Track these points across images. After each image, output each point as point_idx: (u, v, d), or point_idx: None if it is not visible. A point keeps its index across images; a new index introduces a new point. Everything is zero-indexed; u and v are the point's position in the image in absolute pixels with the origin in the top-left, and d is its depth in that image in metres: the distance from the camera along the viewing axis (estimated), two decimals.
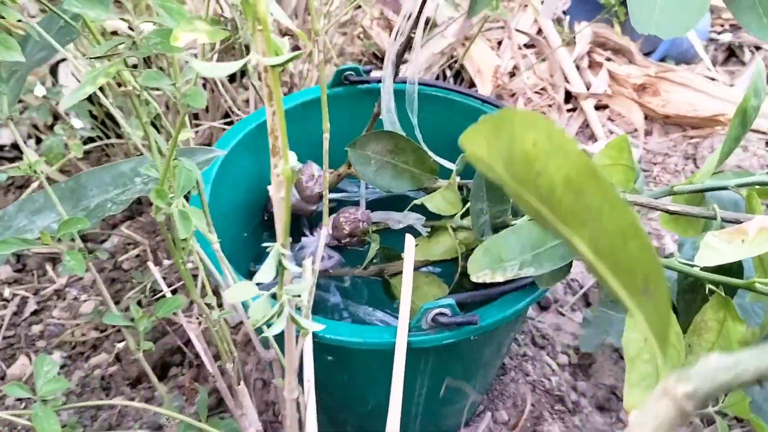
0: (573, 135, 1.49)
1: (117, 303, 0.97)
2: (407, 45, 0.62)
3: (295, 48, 1.05)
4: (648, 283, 0.22)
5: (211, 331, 0.50)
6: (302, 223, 0.84)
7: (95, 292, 1.00)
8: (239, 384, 0.53)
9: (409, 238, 0.64)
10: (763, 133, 1.42)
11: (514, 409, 0.90)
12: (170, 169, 0.41)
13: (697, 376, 0.19)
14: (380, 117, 0.69)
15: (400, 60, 0.65)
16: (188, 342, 0.93)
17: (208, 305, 0.51)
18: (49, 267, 1.05)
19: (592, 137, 1.47)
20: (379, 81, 0.82)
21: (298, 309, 0.36)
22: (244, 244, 0.81)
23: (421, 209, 0.71)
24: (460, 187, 0.69)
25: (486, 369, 0.78)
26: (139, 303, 0.95)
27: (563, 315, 1.08)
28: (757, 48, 1.77)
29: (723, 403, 0.48)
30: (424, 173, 0.70)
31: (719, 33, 1.84)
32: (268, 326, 0.34)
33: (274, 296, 0.35)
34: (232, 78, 1.11)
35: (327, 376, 0.69)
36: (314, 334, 0.58)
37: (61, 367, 0.92)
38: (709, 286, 0.51)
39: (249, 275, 0.80)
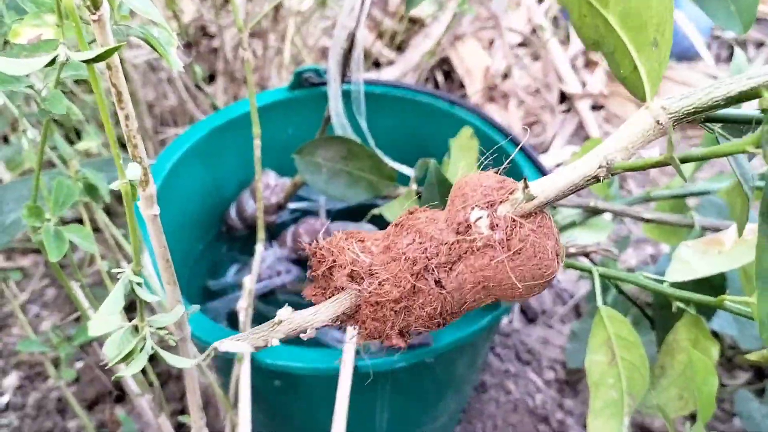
0: (567, 137, 1.43)
1: (77, 321, 0.93)
2: (352, 43, 0.57)
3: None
4: (658, 33, 0.30)
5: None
6: None
7: (57, 308, 0.96)
8: (159, 416, 0.48)
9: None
10: None
11: (494, 431, 0.84)
12: (42, 182, 0.37)
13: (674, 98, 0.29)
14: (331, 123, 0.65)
15: (346, 60, 0.60)
16: (150, 360, 0.88)
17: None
18: (12, 283, 1.01)
19: (588, 139, 1.42)
20: (345, 82, 0.77)
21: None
22: (200, 257, 0.76)
23: (381, 219, 0.66)
24: (420, 195, 0.64)
25: (458, 388, 0.73)
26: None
27: (551, 327, 1.03)
28: (761, 44, 1.71)
29: None
30: (381, 180, 0.65)
31: (723, 30, 1.77)
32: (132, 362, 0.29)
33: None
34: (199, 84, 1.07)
35: (277, 401, 0.64)
36: (254, 358, 0.53)
37: (18, 387, 0.87)
38: (677, 304, 0.46)
39: (204, 291, 0.76)
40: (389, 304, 0.31)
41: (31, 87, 0.33)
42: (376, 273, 0.32)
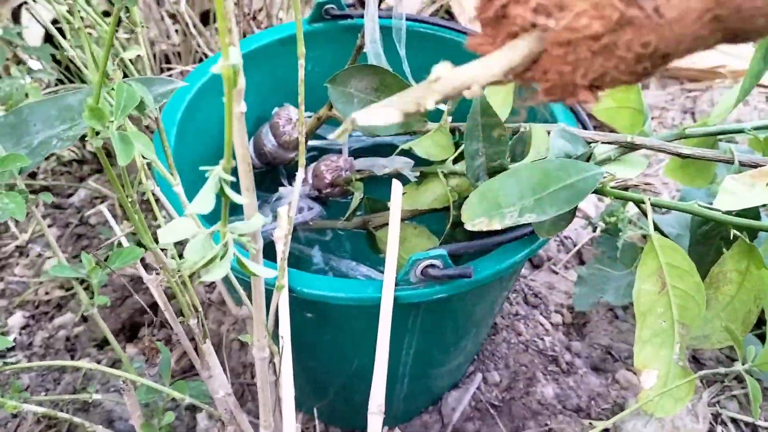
0: None
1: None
2: None
3: None
4: None
5: (171, 284, 0.44)
6: (280, 171, 0.78)
7: (60, 248, 0.94)
8: (204, 342, 0.47)
9: (396, 184, 0.58)
10: (765, 86, 1.36)
11: (506, 370, 0.85)
12: (107, 84, 0.35)
13: None
14: (364, 50, 0.63)
15: None
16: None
17: (165, 252, 0.44)
18: (11, 222, 0.98)
19: None
20: (363, 16, 0.75)
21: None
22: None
23: (408, 155, 0.65)
24: (452, 130, 0.63)
25: (478, 328, 0.73)
26: (106, 260, 0.89)
27: (556, 273, 1.04)
28: None
29: (754, 361, 0.43)
30: None
31: None
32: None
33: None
34: (205, 20, 1.03)
35: (307, 335, 0.63)
36: (291, 289, 0.52)
37: (23, 327, 0.86)
38: (733, 232, 0.46)
39: None
40: (586, 42, 0.24)
41: None
42: (570, 3, 0.24)
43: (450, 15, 1.56)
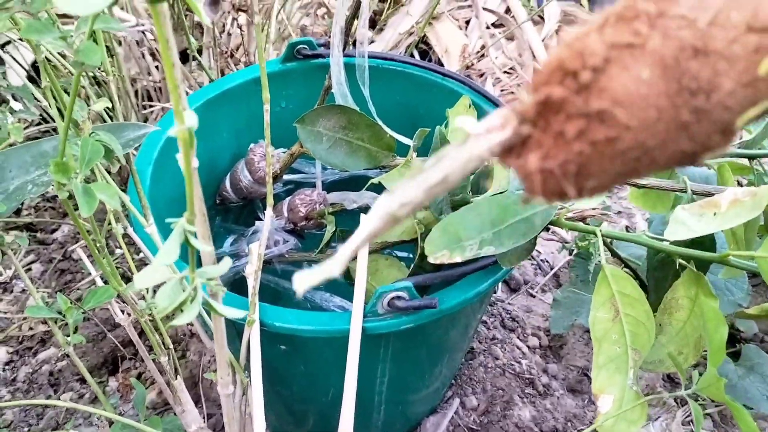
0: None
1: (68, 295, 0.92)
2: (356, 11, 0.58)
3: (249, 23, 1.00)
4: None
5: (142, 324, 0.46)
6: (257, 205, 0.80)
7: (43, 284, 0.95)
8: (176, 378, 0.49)
9: (364, 217, 0.60)
10: None
11: (483, 394, 0.87)
12: (68, 141, 0.37)
13: None
14: (332, 91, 0.65)
15: (349, 27, 0.61)
16: (142, 333, 0.88)
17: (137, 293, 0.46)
18: None
19: None
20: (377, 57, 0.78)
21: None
22: None
23: (379, 189, 0.67)
24: None
25: (452, 353, 0.75)
26: (80, 299, 0.90)
27: (534, 296, 1.06)
28: None
29: (696, 385, 0.45)
30: (380, 150, 0.66)
31: None
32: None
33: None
34: (185, 58, 1.06)
35: (282, 366, 0.65)
36: (262, 323, 0.54)
37: (7, 363, 0.87)
38: (679, 261, 0.48)
39: (200, 262, 0.76)
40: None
41: (64, 38, 0.33)
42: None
43: (427, 45, 1.59)
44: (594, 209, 0.57)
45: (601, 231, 0.51)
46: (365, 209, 0.67)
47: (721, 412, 0.89)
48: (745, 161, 0.73)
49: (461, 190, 0.58)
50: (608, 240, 0.75)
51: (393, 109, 0.82)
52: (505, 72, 1.55)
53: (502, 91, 1.52)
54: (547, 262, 1.12)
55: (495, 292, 1.04)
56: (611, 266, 0.49)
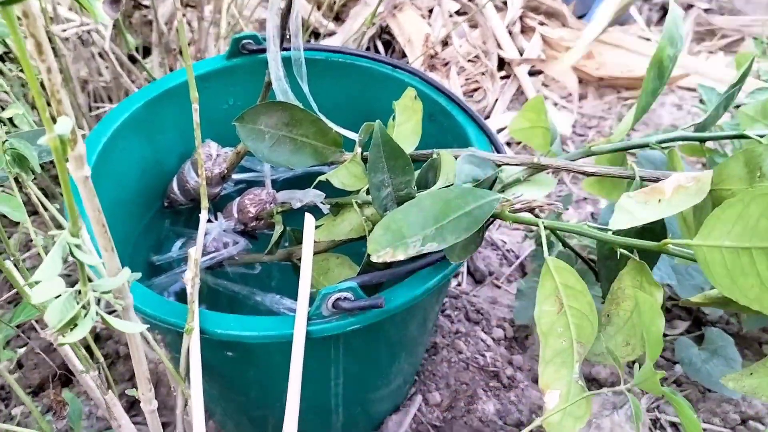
0: (508, 103, 1.45)
1: (11, 303, 0.89)
2: (290, 4, 0.56)
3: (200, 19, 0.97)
4: None
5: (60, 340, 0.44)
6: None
7: None
8: (107, 394, 0.47)
9: (308, 218, 0.58)
10: (694, 90, 1.40)
11: (447, 390, 0.86)
12: None
13: None
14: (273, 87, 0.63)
15: (285, 22, 0.59)
16: (96, 341, 0.86)
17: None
18: None
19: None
20: (284, 49, 0.76)
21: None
22: (142, 233, 0.74)
23: (328, 186, 0.66)
24: (365, 160, 0.64)
25: (410, 350, 0.73)
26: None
27: (499, 287, 1.05)
28: (690, 6, 1.76)
29: (635, 379, 0.44)
30: (326, 146, 0.64)
31: None
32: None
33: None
34: (132, 58, 1.03)
35: (232, 373, 0.64)
36: (203, 330, 0.52)
37: None
38: (620, 250, 0.47)
39: (149, 267, 0.74)
40: None
41: None
42: None
43: (390, 35, 1.58)
44: (543, 200, 0.56)
45: (543, 223, 0.50)
46: (312, 207, 0.66)
47: (687, 396, 0.89)
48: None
49: (406, 184, 0.56)
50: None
51: (345, 103, 0.81)
52: (469, 60, 1.54)
53: (467, 79, 1.51)
54: (512, 251, 1.11)
55: (459, 285, 1.03)
56: (554, 258, 0.48)
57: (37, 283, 0.30)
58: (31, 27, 0.24)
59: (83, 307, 0.29)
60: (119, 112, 0.69)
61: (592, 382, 0.89)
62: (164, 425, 0.76)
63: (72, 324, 0.29)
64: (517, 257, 1.10)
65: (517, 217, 0.52)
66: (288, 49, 0.65)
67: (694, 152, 0.77)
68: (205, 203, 0.50)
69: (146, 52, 1.07)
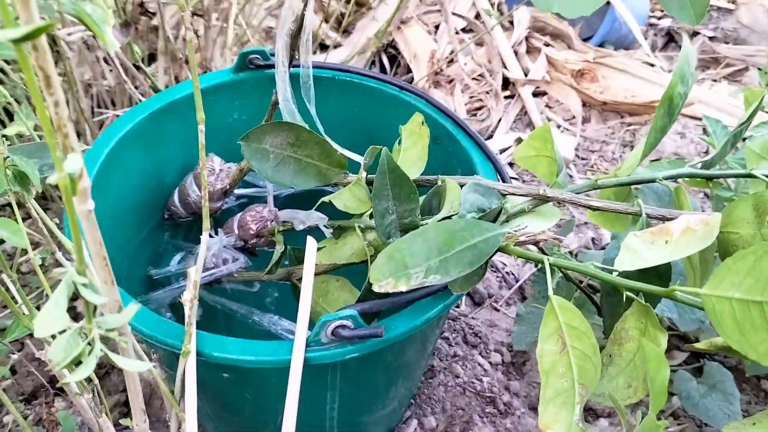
0: (511, 123, 1.44)
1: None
2: (301, 24, 0.56)
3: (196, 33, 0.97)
4: None
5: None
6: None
7: None
8: (101, 416, 0.46)
9: (310, 241, 0.57)
10: (700, 119, 1.40)
11: (442, 414, 0.85)
12: None
13: None
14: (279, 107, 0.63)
15: (294, 42, 0.58)
16: None
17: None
18: None
19: (530, 125, 1.43)
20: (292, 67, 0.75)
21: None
22: (141, 245, 0.74)
23: (331, 207, 0.65)
24: (369, 183, 0.63)
25: (407, 375, 0.73)
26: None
27: (498, 310, 1.04)
28: (696, 33, 1.76)
29: (636, 429, 0.44)
30: (331, 167, 0.64)
31: (659, 18, 1.82)
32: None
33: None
34: (152, 60, 1.02)
35: (228, 393, 0.63)
36: (199, 353, 0.51)
37: None
38: (626, 293, 0.47)
39: (146, 281, 0.73)
40: None
41: None
42: None
43: (396, 50, 1.57)
44: (546, 232, 0.55)
45: (548, 260, 0.50)
46: (314, 228, 0.65)
47: (684, 431, 0.88)
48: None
49: (410, 212, 0.56)
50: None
51: (351, 122, 0.80)
52: (473, 79, 1.53)
53: (471, 98, 1.51)
54: (512, 274, 1.10)
55: (458, 307, 1.02)
56: (559, 297, 0.47)
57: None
58: (41, 60, 0.24)
59: (88, 343, 0.28)
60: (123, 123, 0.68)
61: (589, 411, 0.88)
62: None
63: (77, 361, 0.29)
64: (517, 280, 1.09)
65: (522, 253, 0.52)
66: (298, 66, 0.65)
67: (697, 183, 0.77)
68: (207, 224, 0.49)
69: (152, 58, 1.06)
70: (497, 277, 1.09)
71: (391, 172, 0.54)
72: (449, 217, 0.57)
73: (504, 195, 0.61)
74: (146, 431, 0.35)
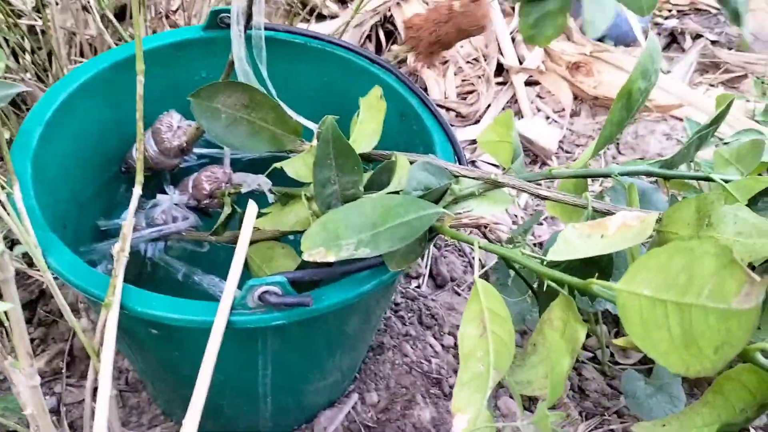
0: (500, 110, 1.43)
1: None
2: None
3: None
4: None
5: None
6: (163, 177, 0.77)
7: None
8: (6, 359, 0.46)
9: (251, 204, 0.57)
10: (680, 119, 1.38)
11: (386, 391, 0.85)
12: None
13: None
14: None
15: (251, 1, 0.57)
16: (39, 298, 0.85)
17: None
18: None
19: (519, 113, 1.42)
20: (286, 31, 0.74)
21: None
22: (94, 196, 0.73)
23: (284, 174, 0.64)
24: None
25: (348, 349, 0.73)
26: None
27: (459, 294, 1.04)
28: (699, 36, 1.74)
29: (533, 418, 0.44)
30: (285, 133, 0.63)
31: (665, 18, 1.80)
32: None
33: None
34: (121, 15, 1.01)
35: (158, 350, 0.63)
36: (124, 306, 0.51)
37: None
38: (548, 282, 0.46)
39: (96, 230, 0.73)
40: None
41: None
42: None
43: (393, 25, 1.56)
44: (489, 218, 0.55)
45: (478, 243, 0.49)
46: (261, 194, 0.64)
47: (626, 429, 0.88)
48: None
49: (353, 184, 0.55)
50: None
51: (322, 91, 0.79)
52: (468, 62, 1.52)
53: (463, 80, 1.49)
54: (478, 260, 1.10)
55: (419, 287, 1.02)
56: (484, 281, 0.47)
57: None
58: None
59: None
60: (83, 72, 0.68)
61: (533, 401, 0.88)
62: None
63: None
64: (483, 266, 1.09)
65: (455, 234, 0.51)
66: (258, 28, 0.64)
67: (676, 186, 0.77)
68: (140, 177, 0.48)
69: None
70: (463, 261, 1.09)
71: (335, 141, 0.53)
72: (395, 194, 0.57)
73: (456, 177, 0.60)
74: (33, 374, 0.35)
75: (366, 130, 0.63)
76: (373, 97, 0.64)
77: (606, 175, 0.63)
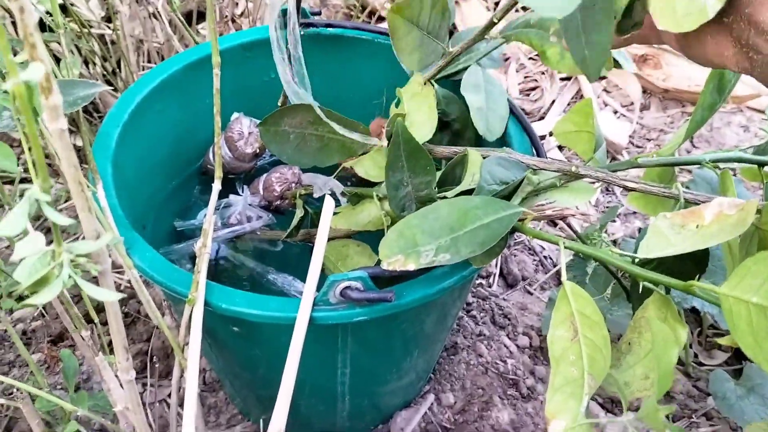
0: (565, 106, 1.40)
1: None
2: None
3: None
4: None
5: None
6: (237, 178, 0.77)
7: None
8: (96, 355, 0.47)
9: (328, 200, 0.56)
10: (763, 112, 1.32)
11: (462, 392, 0.83)
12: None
13: None
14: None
15: (298, 10, 0.57)
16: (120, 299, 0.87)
17: None
18: None
19: None
20: (329, 26, 0.74)
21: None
22: (169, 197, 0.74)
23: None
24: None
25: (425, 347, 0.71)
26: None
27: (531, 294, 1.01)
28: None
29: (639, 413, 0.41)
30: (355, 140, 0.62)
31: None
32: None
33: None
34: (189, 18, 1.03)
35: (237, 347, 0.63)
36: (207, 303, 0.51)
37: None
38: (643, 283, 0.44)
39: (173, 231, 0.73)
40: None
41: None
42: None
43: (453, 25, 1.54)
44: (571, 209, 0.52)
45: (564, 243, 0.47)
46: (331, 195, 0.64)
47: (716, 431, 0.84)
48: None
49: (426, 185, 0.54)
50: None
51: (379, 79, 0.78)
52: (530, 58, 1.49)
53: (525, 77, 1.46)
54: (549, 258, 1.07)
55: (490, 287, 1.00)
56: (572, 283, 0.44)
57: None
58: None
59: (56, 267, 0.28)
60: (157, 73, 0.68)
61: (618, 404, 0.85)
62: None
63: (43, 284, 0.28)
64: (555, 265, 1.06)
65: (538, 233, 0.49)
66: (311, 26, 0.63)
67: (756, 177, 0.72)
68: (219, 173, 0.48)
69: (201, 16, 1.07)
70: (534, 260, 1.06)
71: (405, 144, 0.52)
72: (470, 191, 0.55)
73: (534, 170, 0.58)
74: (129, 369, 0.35)
75: (418, 121, 0.60)
76: (416, 85, 0.62)
77: (696, 163, 0.59)
